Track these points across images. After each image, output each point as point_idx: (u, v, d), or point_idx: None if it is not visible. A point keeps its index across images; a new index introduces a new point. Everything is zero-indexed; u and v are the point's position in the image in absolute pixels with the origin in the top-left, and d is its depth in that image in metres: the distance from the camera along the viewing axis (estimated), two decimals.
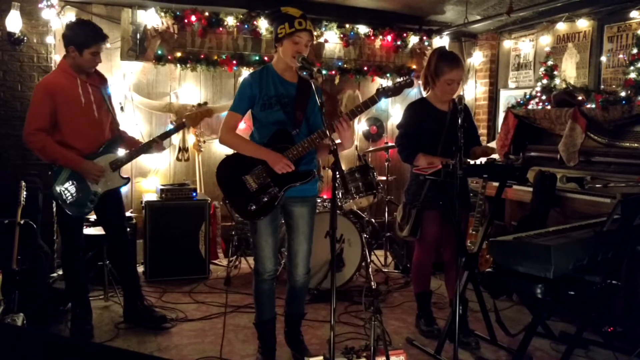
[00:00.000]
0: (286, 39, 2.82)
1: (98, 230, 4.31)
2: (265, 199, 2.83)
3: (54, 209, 4.79)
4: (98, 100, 3.44)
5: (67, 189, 3.35)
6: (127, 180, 3.59)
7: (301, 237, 3.04)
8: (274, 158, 2.80)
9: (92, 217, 4.54)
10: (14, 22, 4.45)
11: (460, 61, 3.45)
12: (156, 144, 3.55)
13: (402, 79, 2.84)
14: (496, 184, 3.57)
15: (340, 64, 5.75)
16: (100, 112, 3.45)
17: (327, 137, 2.69)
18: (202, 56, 5.20)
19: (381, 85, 2.85)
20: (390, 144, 5.48)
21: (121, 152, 3.58)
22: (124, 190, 4.00)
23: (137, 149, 3.56)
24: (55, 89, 3.31)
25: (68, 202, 3.36)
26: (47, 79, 3.45)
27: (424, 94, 3.62)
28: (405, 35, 5.92)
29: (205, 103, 3.84)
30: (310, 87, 2.83)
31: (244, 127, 4.39)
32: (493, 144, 5.20)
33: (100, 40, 3.33)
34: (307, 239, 3.05)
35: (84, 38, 3.28)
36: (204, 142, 5.42)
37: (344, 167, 4.14)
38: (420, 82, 3.65)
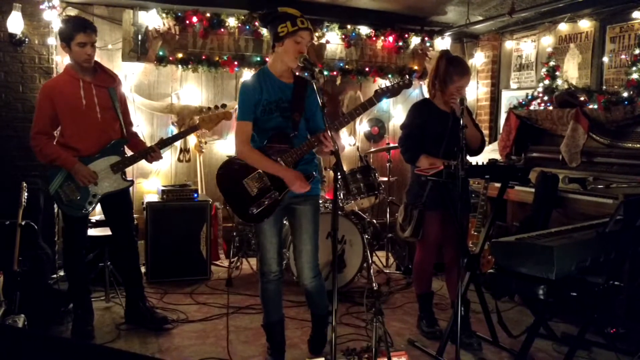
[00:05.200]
0: (288, 37, 2.77)
1: (99, 231, 4.31)
2: (266, 202, 2.81)
3: (55, 210, 4.82)
4: (102, 102, 3.43)
5: (64, 190, 3.36)
6: (131, 182, 3.58)
7: (304, 235, 2.96)
8: (290, 177, 2.77)
9: (93, 218, 4.56)
10: (16, 23, 4.46)
11: (469, 67, 3.51)
12: (154, 152, 3.49)
13: (401, 79, 2.86)
14: (498, 184, 3.56)
15: (341, 64, 5.75)
16: (105, 114, 3.44)
17: (327, 140, 2.65)
18: (203, 57, 5.20)
19: (379, 86, 2.86)
20: (391, 145, 5.48)
21: (128, 154, 3.56)
22: None
23: (138, 153, 3.54)
24: (55, 93, 3.35)
25: (64, 202, 3.38)
26: (48, 83, 3.52)
27: (426, 95, 3.62)
28: (406, 36, 5.91)
29: (219, 106, 3.60)
30: (306, 86, 2.89)
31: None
32: (495, 145, 5.19)
33: (81, 30, 3.29)
34: (311, 238, 2.96)
35: (67, 31, 3.32)
36: (205, 143, 5.42)
37: (345, 168, 4.14)
38: (421, 82, 3.65)
